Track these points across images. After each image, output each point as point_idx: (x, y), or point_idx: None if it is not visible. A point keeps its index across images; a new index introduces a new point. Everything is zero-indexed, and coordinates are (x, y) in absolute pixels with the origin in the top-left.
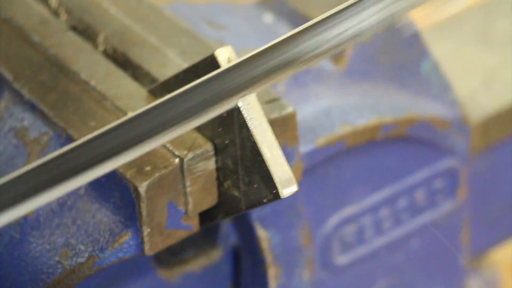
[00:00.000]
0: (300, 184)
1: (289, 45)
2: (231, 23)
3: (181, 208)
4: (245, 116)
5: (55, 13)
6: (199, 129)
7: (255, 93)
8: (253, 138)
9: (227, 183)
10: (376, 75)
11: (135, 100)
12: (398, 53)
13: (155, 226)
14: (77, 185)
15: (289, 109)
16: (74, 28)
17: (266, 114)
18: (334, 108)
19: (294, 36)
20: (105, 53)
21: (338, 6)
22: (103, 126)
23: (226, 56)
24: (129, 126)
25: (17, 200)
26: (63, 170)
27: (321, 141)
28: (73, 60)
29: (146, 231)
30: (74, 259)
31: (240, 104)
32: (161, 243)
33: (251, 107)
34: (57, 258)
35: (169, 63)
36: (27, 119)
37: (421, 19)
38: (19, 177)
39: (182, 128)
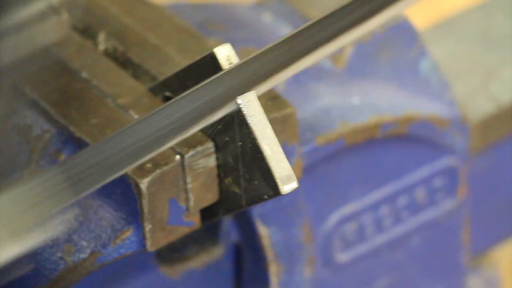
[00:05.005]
0: (300, 182)
1: (289, 45)
2: (231, 23)
3: (182, 204)
4: (245, 113)
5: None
6: None
7: (255, 91)
8: (253, 135)
9: (228, 180)
10: (375, 74)
11: (135, 98)
12: (397, 52)
13: (157, 222)
14: None
15: (289, 107)
16: (74, 27)
17: (266, 112)
18: (334, 106)
19: (293, 36)
20: (106, 52)
21: (335, 6)
22: (104, 123)
23: (225, 54)
24: (132, 131)
25: None
26: None
27: (320, 139)
28: (74, 59)
29: (147, 227)
30: (77, 255)
31: (240, 102)
32: (163, 239)
33: (251, 104)
34: (59, 254)
35: (169, 61)
36: (29, 117)
37: (420, 18)
38: None
39: (185, 131)
